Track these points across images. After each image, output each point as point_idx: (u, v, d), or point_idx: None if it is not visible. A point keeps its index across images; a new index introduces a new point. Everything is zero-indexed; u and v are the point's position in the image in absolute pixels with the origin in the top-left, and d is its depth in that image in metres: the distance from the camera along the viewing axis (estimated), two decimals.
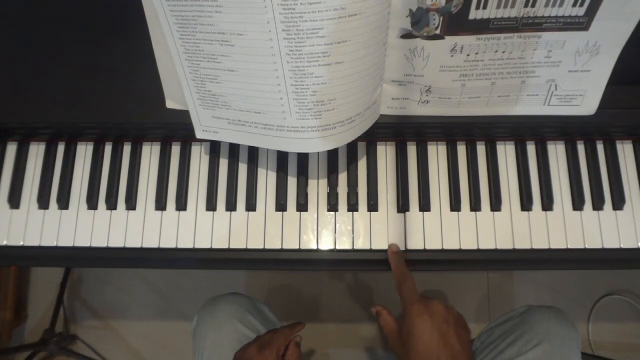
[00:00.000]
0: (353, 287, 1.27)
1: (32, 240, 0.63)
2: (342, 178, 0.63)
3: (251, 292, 1.28)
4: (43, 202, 0.64)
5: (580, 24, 0.49)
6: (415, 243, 0.61)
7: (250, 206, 0.62)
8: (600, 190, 0.62)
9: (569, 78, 0.54)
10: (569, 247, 0.60)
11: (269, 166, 0.64)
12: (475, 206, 0.62)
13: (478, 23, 0.48)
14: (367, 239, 0.61)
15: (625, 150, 0.64)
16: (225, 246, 0.61)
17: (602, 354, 1.17)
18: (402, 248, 0.61)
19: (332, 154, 0.63)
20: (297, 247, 0.61)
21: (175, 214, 0.63)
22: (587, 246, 0.60)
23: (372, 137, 0.63)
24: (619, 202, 0.61)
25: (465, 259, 0.61)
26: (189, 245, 0.62)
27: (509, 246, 0.61)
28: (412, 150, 0.64)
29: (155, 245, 0.62)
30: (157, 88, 0.57)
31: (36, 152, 0.66)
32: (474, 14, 0.48)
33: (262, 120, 0.54)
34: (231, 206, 0.63)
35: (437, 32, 0.49)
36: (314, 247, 0.61)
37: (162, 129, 0.63)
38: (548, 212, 0.62)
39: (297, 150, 0.55)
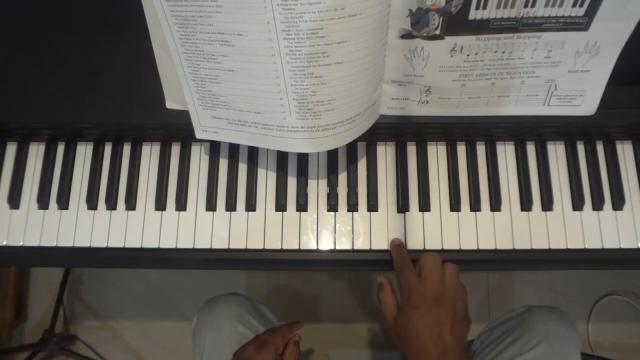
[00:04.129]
0: (353, 287, 1.27)
1: (32, 241, 0.63)
2: (342, 178, 0.63)
3: (251, 292, 1.28)
4: (43, 202, 0.64)
5: (580, 24, 0.49)
6: (415, 243, 0.61)
7: (250, 206, 0.62)
8: (600, 191, 0.62)
9: (569, 78, 0.54)
10: (569, 247, 0.60)
11: (269, 166, 0.64)
12: (475, 206, 0.62)
13: (478, 23, 0.48)
14: (367, 239, 0.61)
15: (625, 151, 0.64)
16: (225, 246, 0.61)
17: (602, 354, 1.17)
18: None
19: (332, 154, 0.63)
20: (297, 247, 0.61)
21: (175, 214, 0.63)
22: (587, 246, 0.60)
23: (372, 137, 0.63)
24: (618, 203, 0.61)
25: (465, 259, 0.61)
26: (189, 246, 0.62)
27: (508, 246, 0.60)
28: (412, 150, 0.64)
29: (155, 246, 0.62)
30: (157, 88, 0.57)
31: (36, 152, 0.66)
32: (474, 14, 0.48)
33: (262, 120, 0.54)
34: (231, 206, 0.63)
35: (437, 32, 0.49)
36: (313, 247, 0.61)
37: (162, 129, 0.63)
38: (548, 213, 0.62)
39: (296, 150, 0.55)
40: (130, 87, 0.58)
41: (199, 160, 0.65)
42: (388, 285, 0.57)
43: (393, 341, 0.55)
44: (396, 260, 0.57)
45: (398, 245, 0.59)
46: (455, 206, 0.62)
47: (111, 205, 0.63)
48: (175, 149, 0.65)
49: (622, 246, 0.60)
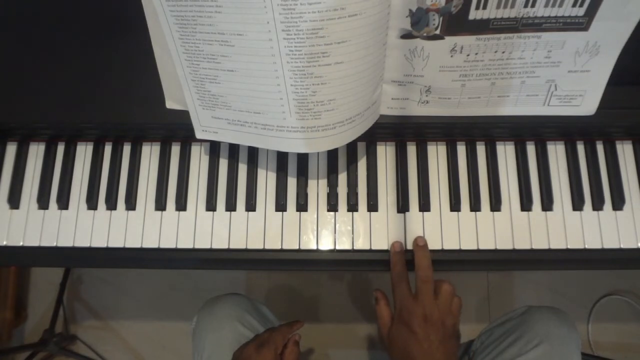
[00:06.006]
0: (353, 287, 1.27)
1: (32, 241, 0.63)
2: (342, 178, 0.63)
3: (251, 293, 1.28)
4: (43, 202, 0.64)
5: (580, 24, 0.49)
6: None
7: (250, 206, 0.62)
8: (600, 191, 0.62)
9: (569, 78, 0.54)
10: (569, 247, 0.60)
11: (269, 166, 0.64)
12: (475, 206, 0.62)
13: (478, 23, 0.48)
14: (367, 239, 0.61)
15: (625, 151, 0.64)
16: (225, 246, 0.61)
17: (602, 354, 1.17)
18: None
19: (332, 154, 0.63)
20: (297, 247, 0.61)
21: (175, 214, 0.63)
22: (587, 246, 0.60)
23: (372, 137, 0.63)
24: (618, 203, 0.61)
25: (465, 259, 0.61)
26: (189, 246, 0.62)
27: (508, 246, 0.60)
28: (412, 150, 0.64)
29: (155, 246, 0.62)
30: (157, 88, 0.57)
31: (36, 152, 0.66)
32: (474, 14, 0.48)
33: (261, 120, 0.54)
34: (231, 206, 0.63)
35: (437, 32, 0.49)
36: (313, 247, 0.61)
37: (162, 129, 0.63)
38: (548, 213, 0.62)
39: (296, 150, 0.55)
40: (130, 87, 0.58)
41: (199, 160, 0.65)
42: (383, 300, 0.60)
43: (387, 352, 0.56)
44: (393, 272, 0.58)
45: (398, 252, 0.59)
46: (455, 206, 0.62)
47: (111, 205, 0.63)
48: (175, 149, 0.65)
49: (622, 246, 0.60)
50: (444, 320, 0.54)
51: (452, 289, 0.56)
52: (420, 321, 0.53)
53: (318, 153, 0.64)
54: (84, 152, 0.66)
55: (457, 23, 0.48)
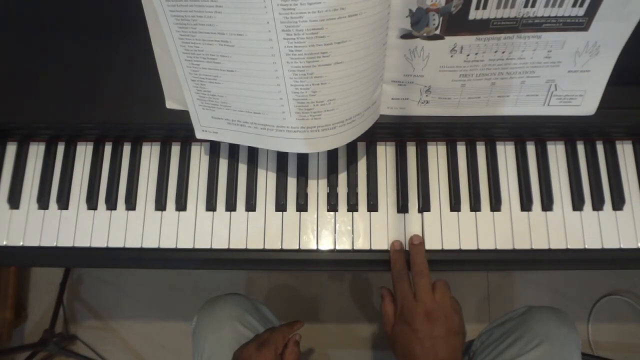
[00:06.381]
0: (353, 287, 1.27)
1: (32, 241, 0.63)
2: (342, 178, 0.63)
3: (251, 293, 1.28)
4: (43, 202, 0.64)
5: (580, 24, 0.49)
6: None
7: (250, 206, 0.62)
8: (600, 191, 0.62)
9: (569, 78, 0.54)
10: (569, 247, 0.60)
11: (269, 166, 0.64)
12: (475, 206, 0.62)
13: (478, 23, 0.48)
14: (367, 240, 0.61)
15: (625, 151, 0.64)
16: (225, 246, 0.61)
17: (602, 354, 1.17)
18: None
19: (332, 154, 0.63)
20: (297, 247, 0.61)
21: (175, 214, 0.63)
22: (587, 246, 0.60)
23: (372, 137, 0.63)
24: (618, 203, 0.61)
25: (465, 259, 0.61)
26: (189, 246, 0.62)
27: (508, 246, 0.60)
28: (412, 150, 0.64)
29: (155, 246, 0.62)
30: (157, 88, 0.57)
31: (36, 152, 0.66)
32: (474, 14, 0.48)
33: (261, 120, 0.54)
34: (231, 206, 0.63)
35: (437, 32, 0.49)
36: (313, 247, 0.61)
37: (162, 129, 0.63)
38: (548, 213, 0.62)
39: (296, 150, 0.55)
40: (130, 87, 0.58)
41: (199, 160, 0.65)
42: (388, 297, 0.59)
43: (391, 350, 0.56)
44: (394, 271, 0.58)
45: (398, 251, 0.59)
46: (455, 206, 0.62)
47: (111, 205, 0.63)
48: (175, 149, 0.65)
49: (622, 246, 0.60)
50: (448, 316, 0.54)
51: (446, 284, 0.57)
52: (422, 319, 0.53)
53: (318, 153, 0.64)
54: (84, 152, 0.66)
55: (457, 23, 0.48)
